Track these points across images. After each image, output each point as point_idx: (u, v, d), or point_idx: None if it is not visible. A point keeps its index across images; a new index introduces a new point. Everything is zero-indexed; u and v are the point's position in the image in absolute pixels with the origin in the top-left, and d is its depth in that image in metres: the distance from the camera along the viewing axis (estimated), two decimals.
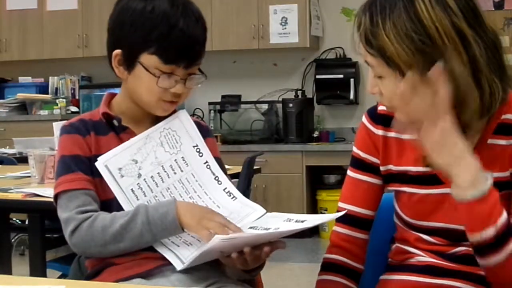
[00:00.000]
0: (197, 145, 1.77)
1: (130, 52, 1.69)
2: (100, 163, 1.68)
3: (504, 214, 1.38)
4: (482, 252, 1.39)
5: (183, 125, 1.78)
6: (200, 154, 1.76)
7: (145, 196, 1.68)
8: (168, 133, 1.75)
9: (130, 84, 1.73)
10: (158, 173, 1.71)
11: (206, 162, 1.76)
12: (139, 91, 1.72)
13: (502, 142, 1.48)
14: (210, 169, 1.75)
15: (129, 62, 1.70)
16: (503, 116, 1.48)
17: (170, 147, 1.74)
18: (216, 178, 1.75)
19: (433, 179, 1.53)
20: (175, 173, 1.72)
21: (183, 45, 1.65)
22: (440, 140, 1.36)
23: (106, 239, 1.61)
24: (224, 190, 1.74)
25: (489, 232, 1.36)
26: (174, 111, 1.79)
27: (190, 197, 1.71)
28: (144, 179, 1.69)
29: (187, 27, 1.65)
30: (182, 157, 1.74)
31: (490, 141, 1.48)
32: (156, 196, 1.69)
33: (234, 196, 1.73)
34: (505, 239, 1.37)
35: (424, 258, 1.60)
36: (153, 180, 1.70)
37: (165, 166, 1.72)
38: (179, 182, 1.72)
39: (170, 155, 1.73)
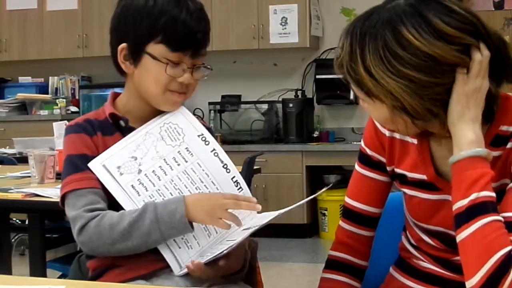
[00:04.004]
0: (202, 134, 1.75)
1: (137, 44, 1.70)
2: (97, 163, 1.67)
3: (490, 193, 1.35)
4: (457, 224, 1.36)
5: (184, 117, 1.76)
6: (206, 143, 1.74)
7: (147, 190, 1.66)
8: (169, 127, 1.74)
9: (136, 78, 1.73)
10: (160, 166, 1.69)
11: (214, 150, 1.73)
12: (146, 83, 1.72)
13: (495, 153, 1.46)
14: (218, 157, 1.73)
15: (136, 55, 1.71)
16: (500, 127, 1.46)
17: (171, 140, 1.72)
18: (225, 166, 1.72)
19: (429, 186, 1.53)
20: (178, 164, 1.70)
21: (188, 33, 1.67)
22: (469, 95, 1.37)
23: (114, 237, 1.60)
24: (232, 179, 1.72)
25: (470, 198, 1.34)
26: None
27: (196, 188, 1.69)
28: (145, 174, 1.67)
29: (190, 16, 1.68)
30: (186, 148, 1.72)
31: None
32: (159, 190, 1.67)
33: (240, 187, 1.71)
34: (476, 213, 1.34)
35: (425, 263, 1.60)
36: (155, 174, 1.68)
37: (167, 159, 1.70)
38: (184, 173, 1.69)
39: (172, 147, 1.71)
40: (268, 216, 1.62)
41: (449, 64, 1.35)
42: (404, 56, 1.34)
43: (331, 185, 1.81)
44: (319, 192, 1.72)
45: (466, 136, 1.38)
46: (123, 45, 1.72)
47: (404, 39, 1.34)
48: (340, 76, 1.46)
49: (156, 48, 1.68)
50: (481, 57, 1.37)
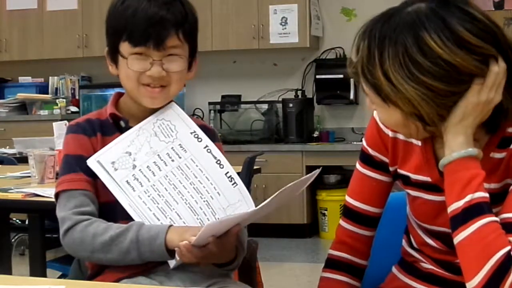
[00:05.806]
0: (195, 131, 1.75)
1: (112, 46, 1.73)
2: (92, 160, 1.68)
3: (483, 194, 1.35)
4: (454, 226, 1.36)
5: (177, 114, 1.77)
6: (199, 140, 1.74)
7: (142, 186, 1.67)
8: (162, 123, 1.74)
9: (120, 79, 1.75)
10: (154, 162, 1.69)
11: (206, 146, 1.74)
12: (123, 82, 1.73)
13: (500, 155, 1.45)
14: (211, 153, 1.73)
15: (114, 57, 1.73)
16: (507, 129, 1.45)
17: (165, 136, 1.73)
18: (218, 162, 1.73)
19: (433, 187, 1.53)
20: (172, 160, 1.70)
21: (146, 26, 1.66)
22: (478, 105, 1.36)
23: (95, 247, 1.61)
24: (226, 174, 1.72)
25: (465, 200, 1.34)
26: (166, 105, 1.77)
27: (190, 183, 1.69)
28: (140, 170, 1.68)
29: (150, 7, 1.67)
30: (179, 144, 1.73)
31: (492, 154, 1.45)
32: (154, 185, 1.67)
33: (235, 183, 1.72)
34: (473, 215, 1.34)
35: (426, 265, 1.60)
36: (149, 170, 1.68)
37: (161, 155, 1.71)
38: (178, 169, 1.70)
39: (166, 143, 1.72)
40: (260, 204, 1.62)
41: (468, 74, 1.34)
42: (424, 64, 1.32)
43: (319, 169, 1.78)
44: (309, 174, 1.70)
45: (457, 139, 1.38)
46: (106, 49, 1.76)
47: (426, 45, 1.32)
48: (352, 76, 1.45)
49: (123, 46, 1.70)
50: (497, 69, 1.35)
